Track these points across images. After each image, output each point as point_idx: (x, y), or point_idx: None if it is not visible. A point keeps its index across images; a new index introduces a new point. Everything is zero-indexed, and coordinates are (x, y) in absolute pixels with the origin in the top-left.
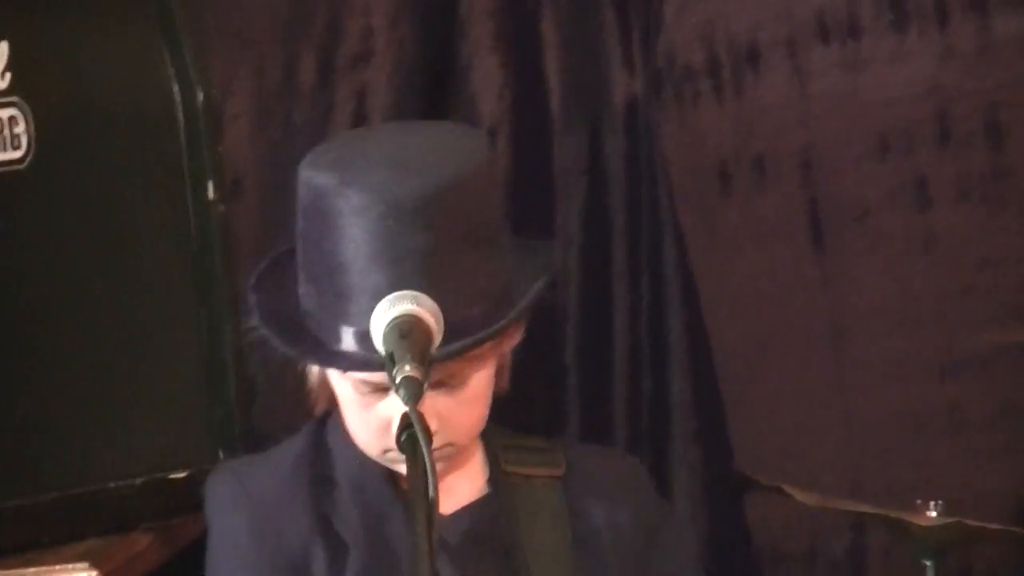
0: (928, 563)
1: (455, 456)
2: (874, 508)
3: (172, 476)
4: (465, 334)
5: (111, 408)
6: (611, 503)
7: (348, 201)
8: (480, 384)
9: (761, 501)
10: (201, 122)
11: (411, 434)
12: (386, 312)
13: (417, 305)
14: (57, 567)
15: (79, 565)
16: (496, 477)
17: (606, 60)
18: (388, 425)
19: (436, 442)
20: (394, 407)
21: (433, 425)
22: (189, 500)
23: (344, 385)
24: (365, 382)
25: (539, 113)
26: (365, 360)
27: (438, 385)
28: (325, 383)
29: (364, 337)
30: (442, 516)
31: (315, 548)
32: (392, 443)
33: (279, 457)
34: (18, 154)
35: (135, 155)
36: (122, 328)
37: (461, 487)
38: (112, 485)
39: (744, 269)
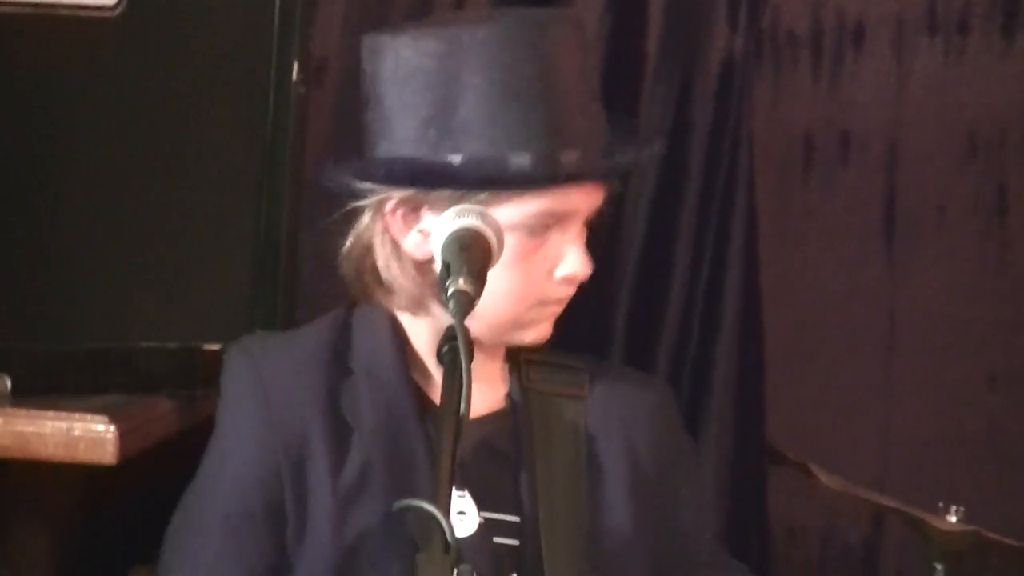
0: (939, 566)
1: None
2: (895, 503)
3: (205, 347)
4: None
5: (157, 271)
6: (630, 430)
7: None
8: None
9: (785, 478)
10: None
11: (453, 346)
12: (452, 221)
13: (482, 222)
14: (76, 415)
15: (98, 418)
16: (516, 392)
17: (711, 11)
18: (551, 268)
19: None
20: (563, 241)
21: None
22: (217, 373)
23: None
24: (550, 213)
25: (635, 52)
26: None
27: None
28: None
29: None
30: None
31: (317, 438)
32: (548, 292)
33: (301, 340)
34: (110, 1)
35: (226, 22)
36: (182, 195)
37: (481, 397)
38: (144, 345)
39: (811, 259)
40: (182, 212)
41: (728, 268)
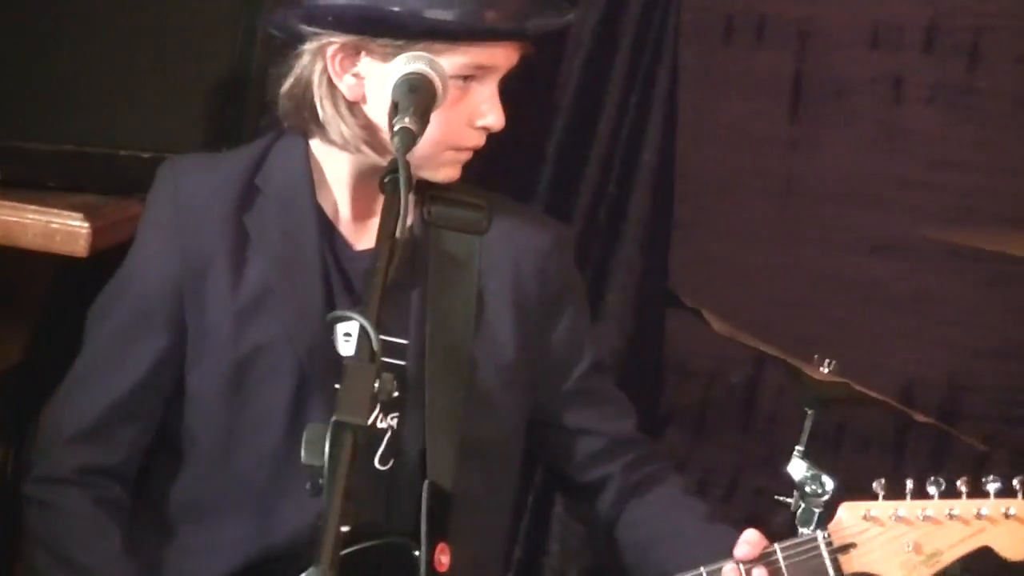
0: (810, 411)
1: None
2: (776, 351)
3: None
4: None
5: (138, 83)
6: (521, 267)
7: None
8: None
9: (680, 320)
10: None
11: (395, 179)
12: (404, 66)
13: (431, 68)
14: (54, 211)
15: (74, 215)
16: (418, 225)
17: None
18: (470, 117)
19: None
20: (482, 94)
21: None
22: None
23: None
24: (474, 66)
25: None
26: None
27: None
28: (309, 103)
29: (506, 11)
30: (367, 251)
31: (222, 252)
32: (464, 139)
33: (224, 162)
34: None
35: None
36: (168, 14)
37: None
38: (122, 152)
39: (727, 114)
40: (166, 39)
41: (651, 113)
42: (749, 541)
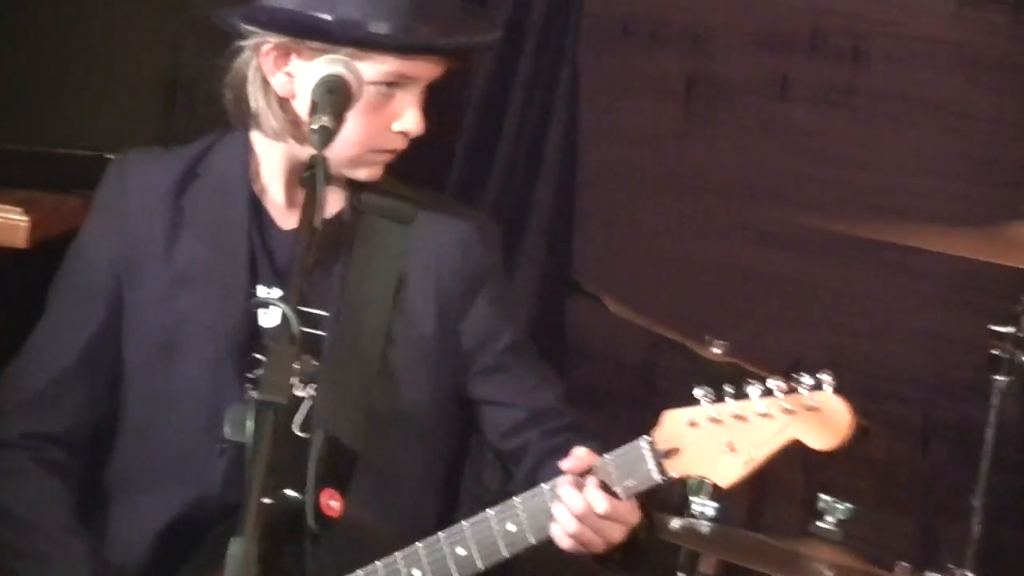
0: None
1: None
2: (671, 333)
3: (111, 155)
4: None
5: (77, 85)
6: (444, 254)
7: None
8: None
9: (581, 305)
10: None
11: (313, 174)
12: (323, 67)
13: (347, 70)
14: None
15: (15, 209)
16: (347, 212)
17: None
18: (391, 122)
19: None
20: (405, 101)
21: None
22: None
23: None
24: (399, 75)
25: None
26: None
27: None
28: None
29: (435, 28)
30: (292, 230)
31: (159, 227)
32: (385, 142)
33: (173, 155)
34: None
35: None
36: (103, 17)
37: None
38: (60, 151)
39: (624, 113)
40: (101, 42)
41: (553, 112)
42: (577, 455)
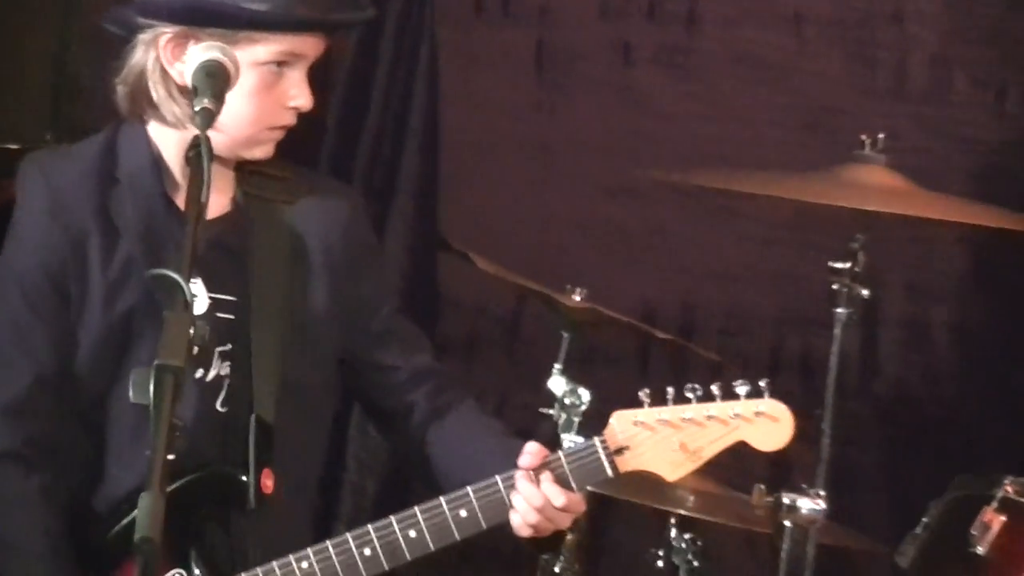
0: (566, 335)
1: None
2: (534, 284)
3: (6, 146)
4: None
5: None
6: (328, 230)
7: None
8: None
9: (450, 261)
10: None
11: (198, 152)
12: (201, 54)
13: (223, 55)
14: None
15: None
16: (241, 197)
17: None
18: (283, 99)
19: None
20: (293, 79)
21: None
22: (13, 168)
23: (249, 74)
24: (286, 54)
25: None
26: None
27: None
28: (143, 89)
29: (312, 7)
30: (209, 220)
31: (93, 233)
32: (278, 119)
33: (79, 153)
34: None
35: None
36: None
37: (215, 201)
38: None
39: (481, 83)
40: None
41: (416, 85)
42: (531, 452)
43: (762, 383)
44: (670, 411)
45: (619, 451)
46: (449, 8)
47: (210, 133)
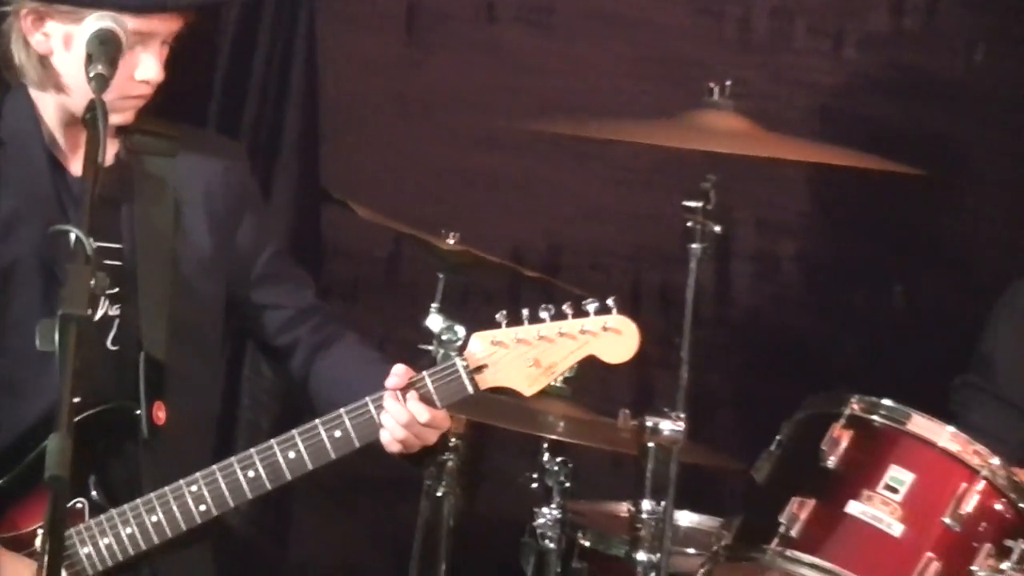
0: (441, 275)
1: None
2: (411, 229)
3: None
4: None
5: None
6: (209, 181)
7: None
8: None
9: (333, 210)
10: None
11: (94, 115)
12: (95, 23)
13: (116, 24)
14: None
15: None
16: (123, 152)
17: None
18: (133, 72)
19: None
20: (144, 54)
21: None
22: None
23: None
24: (136, 31)
25: None
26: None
27: (164, 42)
28: (41, 59)
29: None
30: (80, 177)
31: None
32: (130, 90)
33: None
34: None
35: None
36: None
37: None
38: None
39: (359, 43)
40: None
41: (295, 47)
42: (397, 373)
43: (609, 301)
44: (524, 330)
45: (478, 369)
46: None
47: (74, 98)
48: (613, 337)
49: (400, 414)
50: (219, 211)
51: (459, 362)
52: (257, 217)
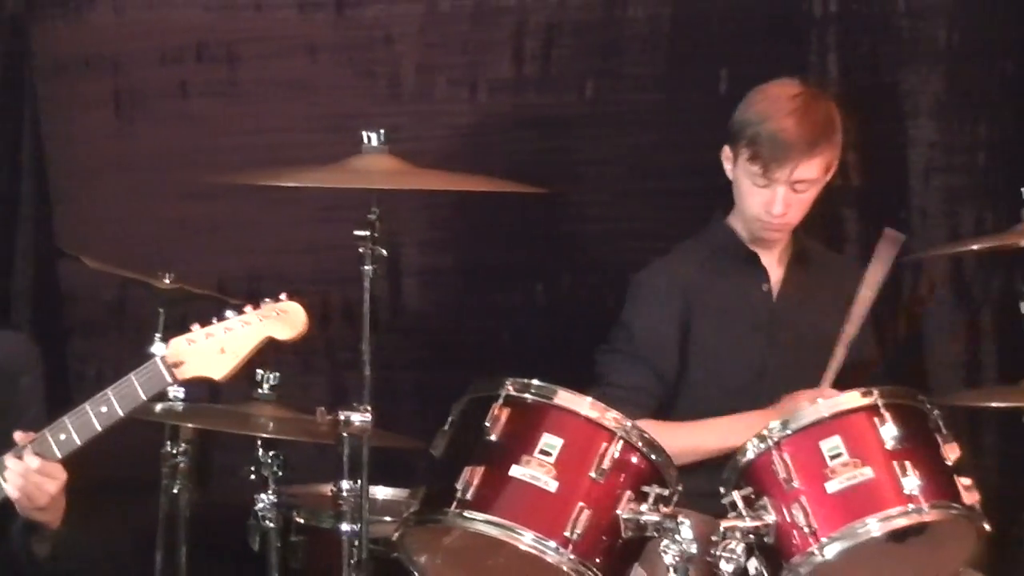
0: (161, 310)
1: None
2: (134, 274)
3: None
4: None
5: None
6: None
7: None
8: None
9: (69, 264)
10: None
11: None
12: None
13: None
14: None
15: None
16: None
17: None
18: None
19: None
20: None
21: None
22: None
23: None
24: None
25: None
26: None
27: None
28: None
29: None
30: None
31: None
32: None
33: None
34: None
35: None
36: None
37: None
38: None
39: (76, 121)
40: None
41: (24, 129)
42: (16, 436)
43: (283, 296)
44: (212, 327)
45: (176, 364)
46: (44, 67)
47: None
48: (284, 317)
49: (17, 465)
50: None
51: (158, 359)
52: (32, 391)
